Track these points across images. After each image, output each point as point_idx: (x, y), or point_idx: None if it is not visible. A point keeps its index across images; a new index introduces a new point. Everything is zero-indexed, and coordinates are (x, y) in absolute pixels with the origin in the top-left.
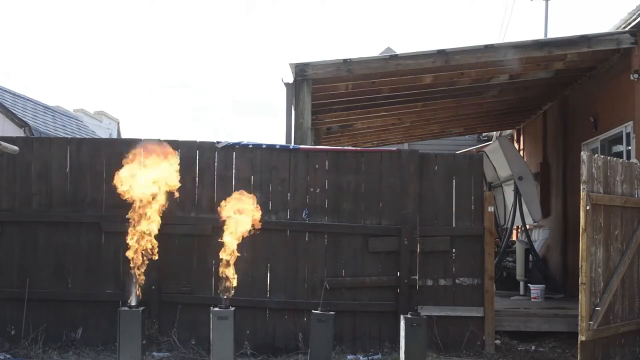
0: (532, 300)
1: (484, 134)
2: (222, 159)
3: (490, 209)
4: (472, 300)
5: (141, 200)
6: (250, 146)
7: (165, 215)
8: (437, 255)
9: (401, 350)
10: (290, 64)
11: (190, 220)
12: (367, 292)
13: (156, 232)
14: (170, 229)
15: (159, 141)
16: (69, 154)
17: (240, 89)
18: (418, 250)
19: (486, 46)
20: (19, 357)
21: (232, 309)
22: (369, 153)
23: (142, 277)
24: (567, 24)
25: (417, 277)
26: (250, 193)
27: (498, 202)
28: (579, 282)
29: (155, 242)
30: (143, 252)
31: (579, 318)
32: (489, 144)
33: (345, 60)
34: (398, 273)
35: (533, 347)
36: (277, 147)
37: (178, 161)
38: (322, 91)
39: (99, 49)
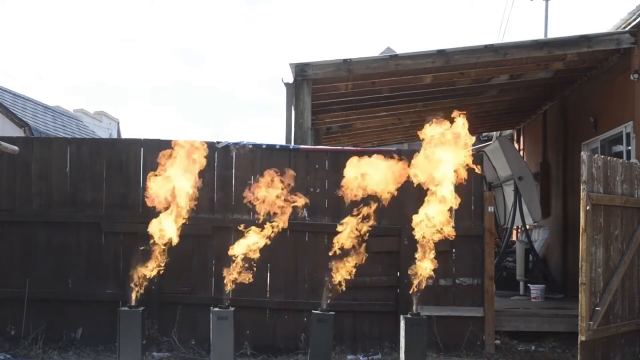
0: (532, 300)
1: (484, 134)
2: (222, 159)
3: (490, 209)
4: (472, 300)
5: None
6: (250, 146)
7: None
8: (437, 255)
9: (401, 350)
10: (290, 64)
11: (190, 220)
12: (367, 292)
13: None
14: None
15: (159, 141)
16: (69, 154)
17: (240, 88)
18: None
19: (486, 46)
20: (19, 357)
21: (232, 309)
22: (369, 153)
23: None
24: (567, 24)
25: None
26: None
27: (498, 202)
28: (579, 282)
29: None
30: None
31: (579, 318)
32: (489, 144)
33: (345, 60)
34: (398, 273)
35: (533, 347)
36: (277, 147)
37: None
38: (322, 91)
39: (99, 49)
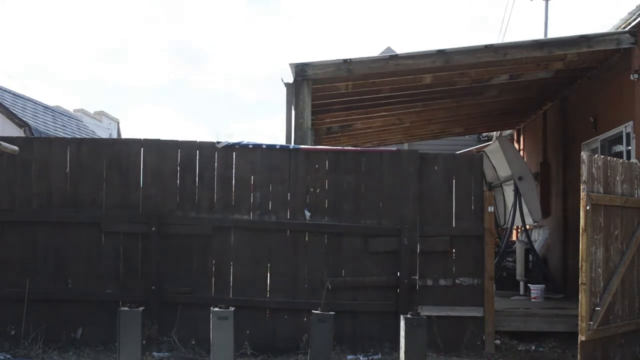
0: (532, 300)
1: (484, 134)
2: (222, 159)
3: (490, 209)
4: (472, 300)
5: None
6: (250, 146)
7: (165, 215)
8: (437, 255)
9: (401, 350)
10: (290, 64)
11: (190, 220)
12: (367, 292)
13: None
14: (170, 229)
15: (159, 141)
16: (69, 154)
17: (240, 88)
18: (418, 250)
19: (486, 46)
20: (19, 357)
21: (232, 309)
22: (369, 153)
23: None
24: (567, 24)
25: (417, 277)
26: (251, 193)
27: (498, 202)
28: (579, 282)
29: None
30: None
31: (579, 318)
32: (489, 144)
33: (345, 61)
34: (398, 273)
35: (533, 347)
36: (277, 147)
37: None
38: (322, 91)
39: (99, 49)
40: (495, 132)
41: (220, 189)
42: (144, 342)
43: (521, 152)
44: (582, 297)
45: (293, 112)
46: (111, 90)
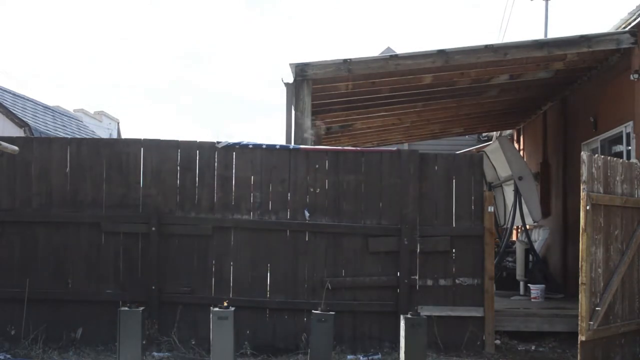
0: (532, 300)
1: (484, 134)
2: (222, 159)
3: (490, 209)
4: (472, 300)
5: None
6: (250, 146)
7: (165, 215)
8: (437, 255)
9: (401, 350)
10: (290, 64)
11: (190, 220)
12: (367, 292)
13: None
14: (170, 229)
15: (159, 141)
16: (69, 154)
17: (240, 88)
18: (418, 250)
19: (486, 46)
20: (19, 357)
21: (232, 309)
22: (369, 153)
23: None
24: (567, 24)
25: (417, 277)
26: (251, 193)
27: (498, 202)
28: (579, 282)
29: None
30: None
31: (579, 318)
32: (489, 144)
33: (345, 60)
34: (398, 273)
35: (533, 347)
36: (277, 147)
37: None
38: (322, 91)
39: (99, 49)
40: (495, 132)
41: (220, 189)
42: (144, 342)
43: (521, 152)
44: (582, 297)
45: (293, 112)
46: (111, 90)
